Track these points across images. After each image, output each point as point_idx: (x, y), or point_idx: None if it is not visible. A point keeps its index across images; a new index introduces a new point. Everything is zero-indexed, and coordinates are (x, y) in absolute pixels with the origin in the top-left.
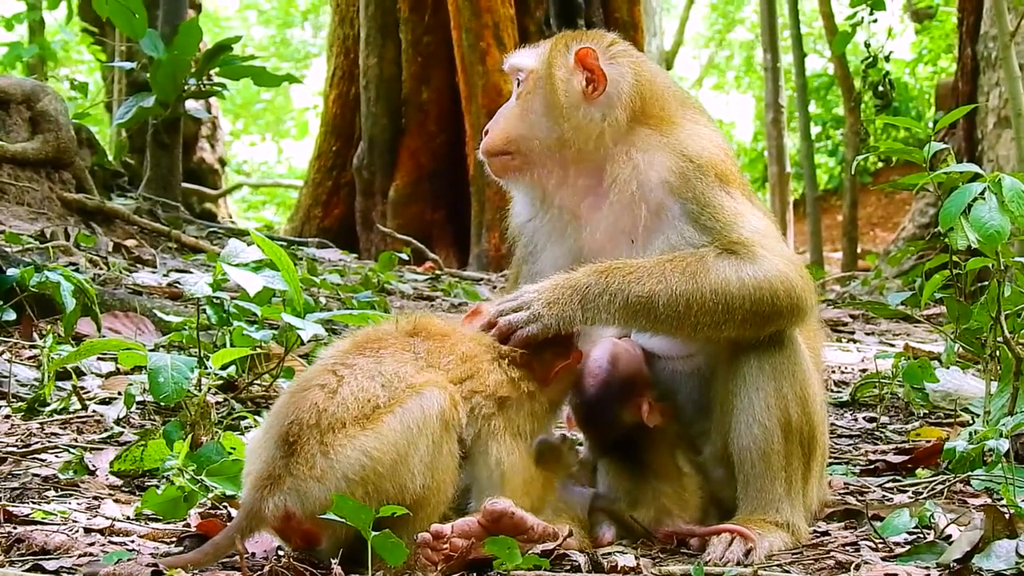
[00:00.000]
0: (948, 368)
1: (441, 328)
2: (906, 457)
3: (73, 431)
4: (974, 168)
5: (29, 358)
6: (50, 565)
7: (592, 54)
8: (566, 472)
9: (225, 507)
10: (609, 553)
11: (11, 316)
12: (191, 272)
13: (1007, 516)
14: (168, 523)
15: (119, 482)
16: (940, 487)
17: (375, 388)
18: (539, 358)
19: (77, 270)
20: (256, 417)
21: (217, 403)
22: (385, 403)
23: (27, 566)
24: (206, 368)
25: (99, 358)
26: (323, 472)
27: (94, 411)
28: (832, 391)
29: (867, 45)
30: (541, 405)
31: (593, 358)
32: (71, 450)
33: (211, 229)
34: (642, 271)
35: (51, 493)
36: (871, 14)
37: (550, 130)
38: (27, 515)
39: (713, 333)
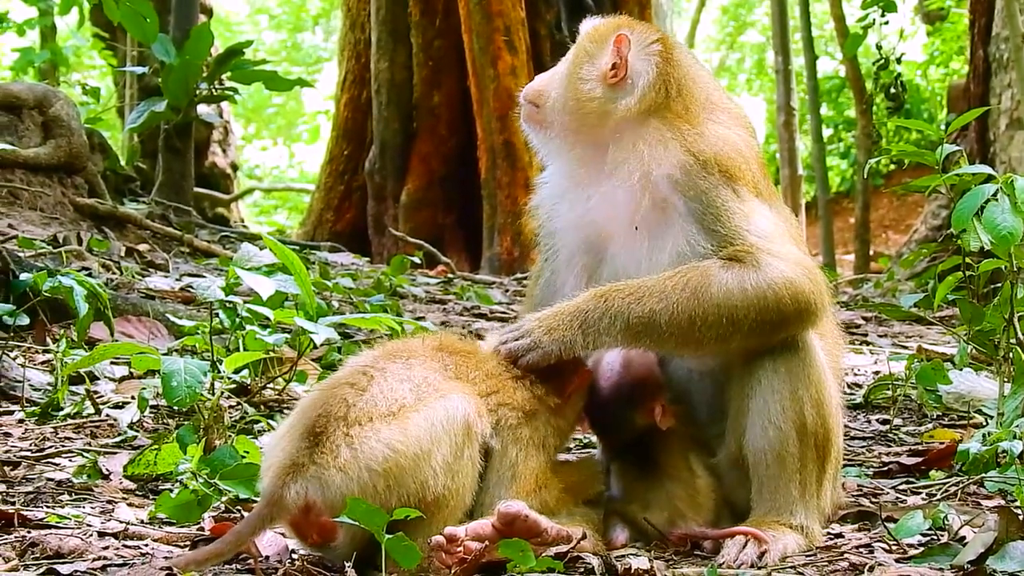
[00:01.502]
0: (961, 370)
1: (465, 346)
2: (920, 459)
3: (87, 435)
4: (987, 170)
5: (42, 362)
6: (64, 569)
7: (626, 42)
8: (589, 495)
9: (239, 511)
10: (623, 556)
11: (24, 321)
12: (204, 276)
13: (1021, 518)
14: (182, 527)
15: (133, 486)
16: (954, 489)
17: (404, 390)
18: (549, 383)
19: (90, 275)
20: (269, 421)
21: (230, 407)
22: (412, 403)
23: (41, 570)
24: (219, 372)
25: (112, 362)
26: (346, 462)
27: (107, 415)
28: (845, 393)
29: (879, 47)
30: (566, 420)
31: (605, 362)
32: (85, 454)
33: (223, 233)
34: (643, 291)
35: (65, 497)
36: (883, 16)
37: (561, 93)
38: (41, 519)
39: (721, 346)
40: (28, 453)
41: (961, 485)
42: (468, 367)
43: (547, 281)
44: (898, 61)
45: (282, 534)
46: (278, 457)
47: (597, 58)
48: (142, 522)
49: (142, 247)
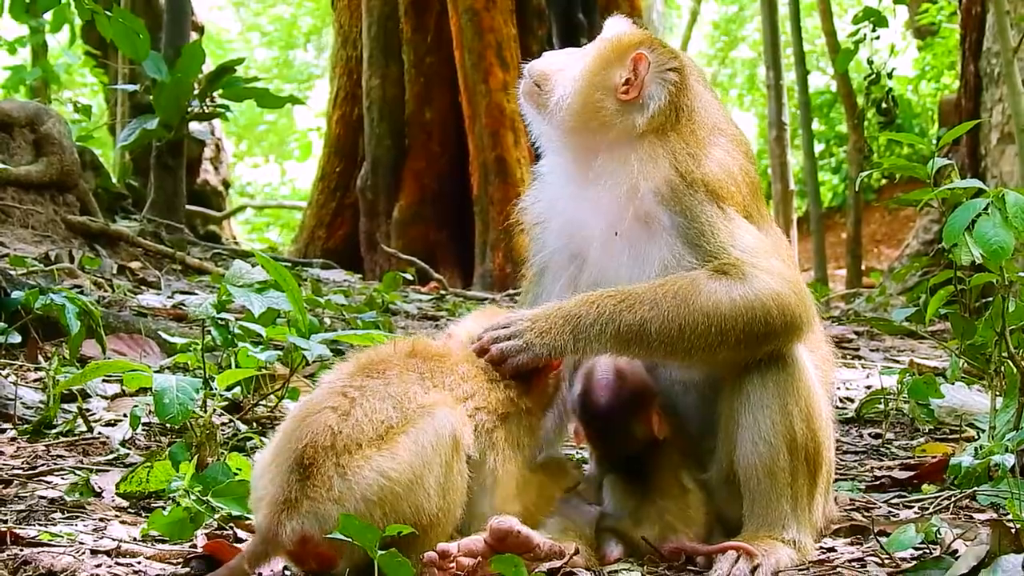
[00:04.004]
0: (953, 384)
1: (437, 349)
2: (912, 473)
3: (79, 453)
4: (978, 184)
5: (34, 380)
6: None
7: (645, 63)
8: (568, 486)
9: (231, 528)
10: (616, 571)
11: (16, 339)
12: (196, 293)
13: (1013, 531)
14: (175, 544)
15: (125, 503)
16: (946, 502)
17: (387, 409)
18: (521, 383)
19: (82, 292)
20: (262, 438)
21: (222, 424)
22: (398, 423)
23: None
24: (211, 389)
25: (104, 380)
26: (341, 494)
27: (100, 433)
28: (837, 407)
29: (870, 62)
30: (536, 419)
31: (599, 374)
32: (77, 472)
33: (215, 251)
34: (633, 298)
35: (57, 515)
36: (874, 31)
37: (569, 91)
38: (34, 537)
39: (708, 356)
40: (20, 471)
41: (953, 499)
42: (444, 372)
43: (535, 296)
44: (889, 76)
45: None
46: (268, 491)
47: (613, 69)
48: (135, 540)
49: (134, 265)
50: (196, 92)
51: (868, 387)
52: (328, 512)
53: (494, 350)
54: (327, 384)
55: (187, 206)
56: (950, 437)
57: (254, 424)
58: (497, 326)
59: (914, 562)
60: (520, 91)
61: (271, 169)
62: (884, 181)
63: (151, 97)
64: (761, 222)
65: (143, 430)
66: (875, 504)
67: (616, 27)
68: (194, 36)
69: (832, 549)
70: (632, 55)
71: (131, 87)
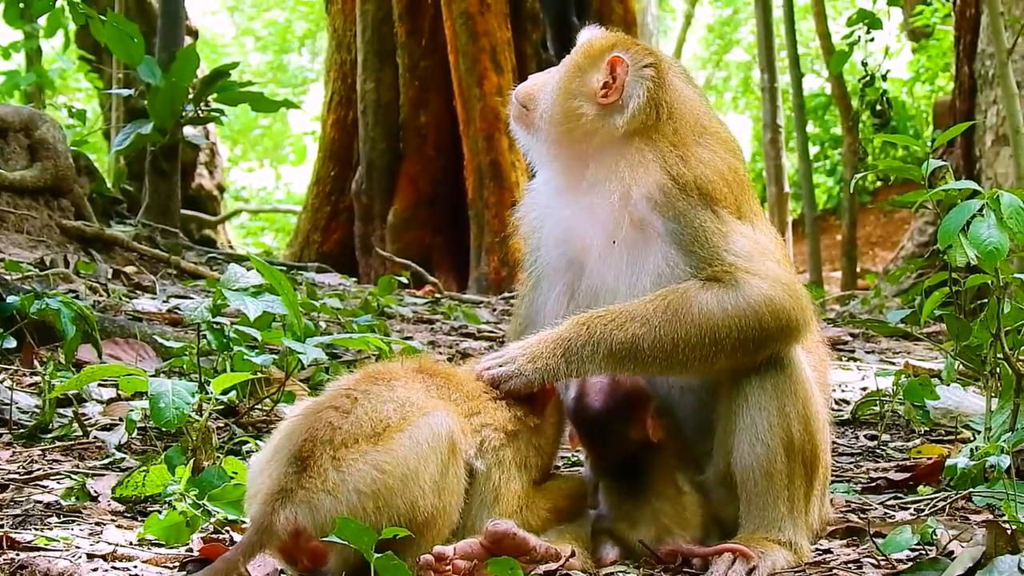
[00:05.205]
0: (948, 385)
1: (444, 369)
2: (907, 474)
3: (75, 457)
4: (972, 185)
5: (30, 385)
6: None
7: (622, 65)
8: (578, 513)
9: (227, 532)
10: (612, 573)
11: (12, 344)
12: (191, 298)
13: (1009, 532)
14: (171, 548)
15: (121, 508)
16: (942, 504)
17: (388, 410)
18: (527, 403)
19: (77, 297)
20: (257, 442)
21: (218, 428)
22: (396, 423)
23: None
24: (207, 393)
25: (100, 384)
26: (334, 485)
27: (95, 437)
28: (833, 409)
29: (864, 64)
30: (546, 439)
31: (593, 377)
32: (73, 476)
33: (210, 255)
34: (624, 316)
35: (53, 520)
36: (868, 33)
37: (550, 104)
38: (30, 542)
39: (706, 366)
40: (16, 476)
41: (949, 500)
42: (450, 388)
43: (531, 300)
44: (884, 78)
45: None
46: (265, 483)
47: (589, 75)
48: (131, 544)
49: (129, 269)
50: (191, 96)
51: (864, 389)
52: (321, 502)
53: (486, 376)
54: (333, 387)
55: (182, 210)
56: (946, 438)
57: (250, 428)
58: (491, 357)
59: (910, 563)
60: (510, 117)
61: (266, 173)
62: (879, 183)
63: (146, 102)
64: (755, 219)
65: (139, 434)
66: (871, 506)
67: (587, 35)
68: (188, 40)
69: (828, 551)
70: (608, 58)
71: (125, 92)
